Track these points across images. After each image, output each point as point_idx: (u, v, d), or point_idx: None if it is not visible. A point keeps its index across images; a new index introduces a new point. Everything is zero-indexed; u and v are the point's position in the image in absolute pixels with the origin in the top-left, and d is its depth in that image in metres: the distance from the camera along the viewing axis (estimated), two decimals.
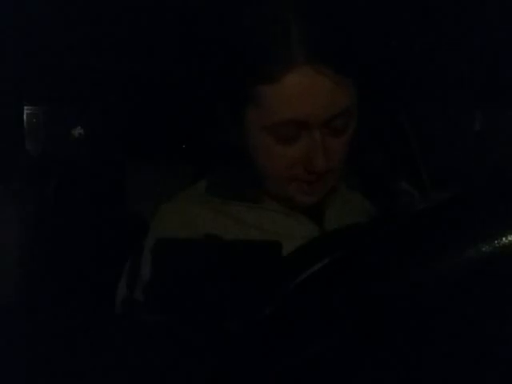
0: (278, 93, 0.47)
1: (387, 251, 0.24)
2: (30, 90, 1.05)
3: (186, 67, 0.89)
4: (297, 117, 0.47)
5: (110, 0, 0.68)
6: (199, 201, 0.58)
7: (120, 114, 1.07)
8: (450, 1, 0.68)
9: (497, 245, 0.20)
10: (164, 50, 0.84)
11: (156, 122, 1.06)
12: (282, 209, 0.58)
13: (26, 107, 1.29)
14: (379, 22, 0.56)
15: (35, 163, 1.07)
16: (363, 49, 0.51)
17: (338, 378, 0.25)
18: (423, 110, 1.27)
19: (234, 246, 0.45)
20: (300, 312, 0.25)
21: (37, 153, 1.46)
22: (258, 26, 0.48)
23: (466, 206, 0.24)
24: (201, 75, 0.80)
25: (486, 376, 0.24)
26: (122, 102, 1.03)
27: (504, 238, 0.20)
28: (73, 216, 0.88)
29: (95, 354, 0.32)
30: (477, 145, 1.59)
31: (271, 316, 0.27)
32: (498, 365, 0.24)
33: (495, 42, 0.77)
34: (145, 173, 0.96)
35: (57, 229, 0.85)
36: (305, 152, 0.50)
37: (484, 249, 0.20)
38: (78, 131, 1.50)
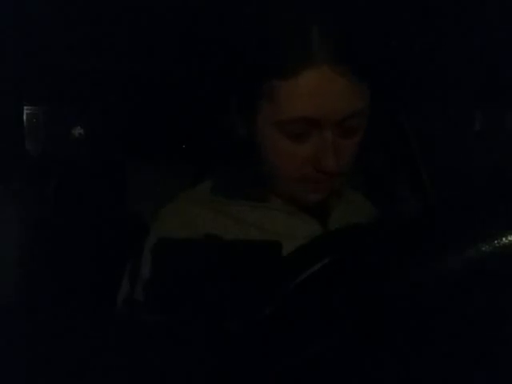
0: (293, 89, 0.47)
1: (387, 251, 0.24)
2: (30, 89, 1.05)
3: (186, 67, 0.89)
4: (310, 115, 0.47)
5: (110, 0, 0.68)
6: (202, 201, 0.58)
7: (120, 113, 1.07)
8: (450, 1, 0.68)
9: (497, 245, 0.20)
10: (164, 49, 0.84)
11: (156, 121, 1.06)
12: (287, 208, 0.58)
13: (25, 107, 1.29)
14: (383, 23, 0.56)
15: (35, 163, 1.07)
16: (377, 51, 0.51)
17: (338, 378, 0.25)
18: (423, 109, 1.27)
19: (234, 246, 0.45)
20: (300, 312, 0.25)
21: (37, 153, 1.46)
22: (280, 24, 0.48)
23: (466, 206, 0.24)
24: (207, 73, 0.80)
25: (486, 376, 0.24)
26: (121, 102, 1.03)
27: (504, 238, 0.20)
28: (73, 216, 0.88)
29: (95, 353, 0.32)
30: (477, 145, 1.59)
31: (271, 316, 0.27)
32: (497, 365, 0.24)
33: (495, 42, 0.77)
34: (145, 173, 0.96)
35: (57, 229, 0.85)
36: (315, 151, 0.50)
37: (484, 249, 0.20)
38: (78, 131, 1.50)
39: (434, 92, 1.07)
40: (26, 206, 0.82)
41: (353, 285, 0.24)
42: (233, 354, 0.28)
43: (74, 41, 0.79)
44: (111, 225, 0.86)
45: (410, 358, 0.24)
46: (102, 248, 0.82)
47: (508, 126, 1.56)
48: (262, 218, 0.57)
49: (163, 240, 0.45)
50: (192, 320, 0.40)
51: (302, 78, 0.46)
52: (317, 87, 0.47)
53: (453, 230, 0.22)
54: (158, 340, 0.34)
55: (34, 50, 0.82)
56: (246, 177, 0.59)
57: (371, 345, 0.23)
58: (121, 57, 0.87)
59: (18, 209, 0.79)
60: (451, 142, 1.48)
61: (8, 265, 0.76)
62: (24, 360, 0.32)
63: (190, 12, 0.70)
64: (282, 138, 0.50)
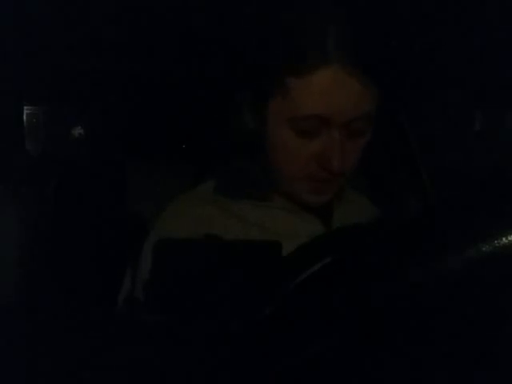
0: (306, 87, 0.48)
1: (387, 251, 0.24)
2: (30, 89, 1.05)
3: (186, 66, 0.89)
4: (321, 113, 0.48)
5: (110, 0, 0.68)
6: (204, 201, 0.58)
7: (120, 114, 1.07)
8: (450, 1, 0.68)
9: (497, 245, 0.20)
10: (165, 49, 0.84)
11: (156, 121, 1.06)
12: (289, 207, 0.58)
13: (25, 107, 1.29)
14: (387, 23, 0.56)
15: (35, 163, 1.07)
16: (385, 52, 0.52)
17: (338, 378, 0.25)
18: (423, 109, 1.27)
19: (234, 246, 0.45)
20: (300, 312, 0.25)
21: (37, 153, 1.46)
22: (297, 23, 0.48)
23: (466, 206, 0.24)
24: (207, 72, 0.80)
25: (486, 376, 0.24)
26: (121, 102, 1.03)
27: (504, 238, 0.20)
28: (73, 216, 0.88)
29: (95, 353, 0.32)
30: (477, 145, 1.59)
31: (271, 316, 0.27)
32: (497, 365, 0.24)
33: (495, 42, 0.77)
34: (145, 173, 0.96)
35: (57, 229, 0.85)
36: (322, 149, 0.50)
37: (484, 249, 0.20)
38: (78, 131, 1.50)
39: (434, 92, 1.07)
40: (26, 206, 0.82)
41: (353, 285, 0.24)
42: (233, 353, 0.28)
43: (74, 41, 0.79)
44: (111, 225, 0.86)
45: (410, 358, 0.24)
46: (102, 248, 0.82)
47: (508, 125, 1.56)
48: (263, 217, 0.57)
49: (163, 240, 0.45)
50: (192, 320, 0.39)
51: (316, 77, 0.47)
52: (330, 86, 0.47)
53: (453, 230, 0.22)
54: (158, 340, 0.34)
55: (33, 50, 0.82)
56: (248, 176, 0.59)
57: (371, 345, 0.23)
58: (121, 57, 0.87)
59: (17, 209, 0.79)
60: (451, 142, 1.48)
61: (8, 265, 0.76)
62: (24, 360, 0.32)
63: (194, 11, 0.70)
64: (291, 135, 0.50)
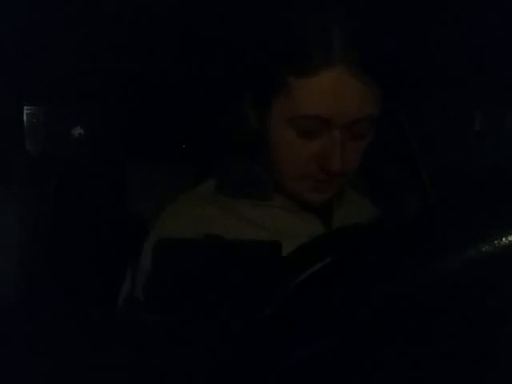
0: (309, 87, 0.48)
1: (387, 251, 0.24)
2: (30, 89, 1.05)
3: (186, 66, 0.89)
4: (322, 114, 0.48)
5: (110, 0, 0.68)
6: (205, 200, 0.58)
7: (120, 114, 1.07)
8: (450, 1, 0.68)
9: (497, 245, 0.20)
10: (165, 49, 0.84)
11: (156, 121, 1.06)
12: (290, 207, 0.58)
13: (25, 107, 1.29)
14: (388, 23, 0.56)
15: (35, 163, 1.07)
16: (387, 53, 0.52)
17: (338, 378, 0.25)
18: (423, 109, 1.27)
19: (234, 246, 0.45)
20: (300, 312, 0.25)
21: (37, 153, 1.46)
22: (301, 24, 0.49)
23: (466, 206, 0.24)
24: (207, 72, 0.80)
25: (486, 376, 0.24)
26: (121, 102, 1.03)
27: (504, 238, 0.20)
28: (73, 216, 0.88)
29: (95, 353, 0.32)
30: (477, 145, 1.59)
31: (271, 316, 0.27)
32: (497, 365, 0.24)
33: (495, 42, 0.77)
34: (145, 173, 0.96)
35: (57, 229, 0.85)
36: (322, 149, 0.50)
37: (484, 249, 0.20)
38: (78, 131, 1.50)
39: (434, 92, 1.07)
40: (26, 206, 0.82)
41: (353, 285, 0.24)
42: (233, 353, 0.28)
43: (74, 41, 0.79)
44: (111, 225, 0.86)
45: (410, 358, 0.24)
46: (102, 248, 0.82)
47: (508, 125, 1.56)
48: (264, 216, 0.57)
49: (163, 240, 0.45)
50: (192, 320, 0.39)
51: (319, 78, 0.47)
52: (332, 88, 0.47)
53: (453, 230, 0.22)
54: (158, 340, 0.34)
55: (33, 50, 0.81)
56: (249, 176, 0.59)
57: (371, 345, 0.23)
58: (121, 57, 0.87)
59: (17, 209, 0.79)
60: (451, 142, 1.48)
61: (8, 265, 0.76)
62: (24, 360, 0.32)
63: (195, 11, 0.70)
64: (292, 134, 0.50)
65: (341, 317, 0.23)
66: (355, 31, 0.48)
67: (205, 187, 0.61)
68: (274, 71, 0.50)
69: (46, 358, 0.33)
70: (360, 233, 0.43)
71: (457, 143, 1.52)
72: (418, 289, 0.22)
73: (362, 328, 0.23)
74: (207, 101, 0.86)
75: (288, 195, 0.58)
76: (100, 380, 0.32)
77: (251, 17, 0.64)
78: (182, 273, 0.44)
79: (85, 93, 1.07)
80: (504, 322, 0.23)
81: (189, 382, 0.30)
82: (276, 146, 0.53)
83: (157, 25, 0.74)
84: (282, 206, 0.58)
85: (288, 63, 0.49)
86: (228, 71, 0.65)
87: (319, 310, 0.24)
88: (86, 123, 1.44)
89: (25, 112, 1.21)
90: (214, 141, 0.69)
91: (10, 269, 0.76)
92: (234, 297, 0.41)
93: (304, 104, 0.48)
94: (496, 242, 0.20)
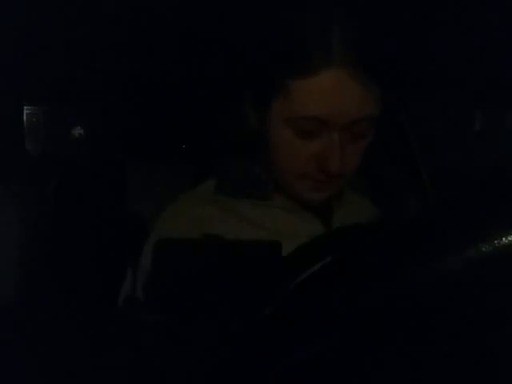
0: (308, 88, 0.48)
1: (387, 251, 0.24)
2: (30, 89, 1.05)
3: (186, 66, 0.89)
4: (321, 115, 0.48)
5: (110, 0, 0.68)
6: (205, 200, 0.58)
7: (120, 114, 1.07)
8: (450, 1, 0.68)
9: (497, 245, 0.20)
10: (165, 49, 0.84)
11: (156, 121, 1.06)
12: (290, 207, 0.58)
13: (25, 107, 1.29)
14: (388, 23, 0.56)
15: (35, 163, 1.07)
16: (387, 53, 0.52)
17: (338, 378, 0.25)
18: (423, 109, 1.27)
19: (234, 246, 0.45)
20: (300, 312, 0.25)
21: (37, 153, 1.46)
22: (300, 24, 0.49)
23: (466, 206, 0.24)
24: (208, 72, 0.80)
25: (486, 376, 0.24)
26: (121, 102, 1.03)
27: (504, 238, 0.20)
28: (73, 216, 0.88)
29: (95, 353, 0.32)
30: (477, 145, 1.59)
31: (271, 316, 0.27)
32: (497, 365, 0.24)
33: (495, 42, 0.77)
34: (145, 173, 0.96)
35: (57, 229, 0.85)
36: (321, 150, 0.50)
37: (484, 249, 0.20)
38: (78, 131, 1.50)
39: (434, 92, 1.07)
40: (26, 206, 0.82)
41: (353, 285, 0.24)
42: (233, 353, 0.28)
43: (74, 41, 0.79)
44: (111, 225, 0.86)
45: (410, 358, 0.24)
46: (102, 248, 0.82)
47: (508, 125, 1.56)
48: (264, 216, 0.57)
49: (163, 240, 0.45)
50: (192, 320, 0.39)
51: (318, 79, 0.47)
52: (331, 88, 0.47)
53: (453, 230, 0.22)
54: (158, 340, 0.34)
55: (33, 50, 0.81)
56: (249, 176, 0.59)
57: (371, 345, 0.23)
58: (121, 57, 0.87)
59: (17, 209, 0.79)
60: (451, 142, 1.48)
61: (8, 265, 0.76)
62: (24, 360, 0.32)
63: (195, 11, 0.70)
64: (292, 135, 0.50)
65: (341, 317, 0.23)
66: (355, 31, 0.48)
67: (205, 187, 0.61)
68: (273, 71, 0.50)
69: (46, 357, 0.33)
70: (360, 233, 0.43)
71: (457, 143, 1.52)
72: (418, 289, 0.22)
73: (362, 328, 0.23)
74: (207, 101, 0.86)
75: (288, 195, 0.58)
76: (100, 380, 0.32)
77: (251, 17, 0.64)
78: (182, 273, 0.44)
79: (85, 93, 1.07)
80: (504, 321, 0.23)
81: (189, 382, 0.30)
82: (276, 146, 0.53)
83: (157, 25, 0.74)
84: (281, 206, 0.58)
85: (287, 63, 0.49)
86: (228, 71, 0.65)
87: (319, 309, 0.24)
88: (86, 123, 1.44)
89: (25, 112, 1.21)
90: (214, 141, 0.69)
91: (9, 269, 0.76)
92: (234, 297, 0.41)
93: (303, 105, 0.48)
94: (496, 242, 0.20)
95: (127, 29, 0.77)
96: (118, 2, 0.68)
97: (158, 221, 0.57)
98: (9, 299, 0.73)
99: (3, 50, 0.75)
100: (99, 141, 1.16)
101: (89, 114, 1.33)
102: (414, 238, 0.24)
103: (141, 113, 1.05)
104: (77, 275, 0.80)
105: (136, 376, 0.31)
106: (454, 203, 0.24)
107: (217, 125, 0.66)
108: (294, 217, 0.58)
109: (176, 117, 1.04)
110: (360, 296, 0.23)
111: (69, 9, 0.69)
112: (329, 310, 0.24)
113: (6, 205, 0.78)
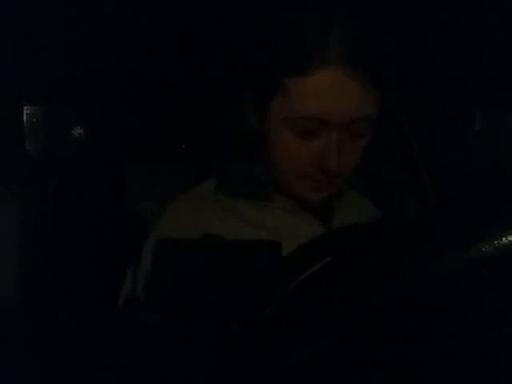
0: (306, 87, 0.47)
1: (387, 251, 0.24)
2: (30, 89, 1.05)
3: (186, 66, 0.89)
4: (319, 114, 0.48)
5: (110, 0, 0.68)
6: (205, 200, 0.58)
7: (120, 113, 1.07)
8: (450, 1, 0.68)
9: (497, 245, 0.20)
10: (165, 49, 0.84)
11: (156, 121, 1.06)
12: (290, 207, 0.58)
13: (25, 107, 1.29)
14: (387, 23, 0.56)
15: (35, 163, 1.07)
16: (386, 53, 0.52)
17: (338, 378, 0.25)
18: (423, 109, 1.27)
19: (234, 246, 0.45)
20: (300, 312, 0.25)
21: (37, 153, 1.46)
22: (299, 24, 0.48)
23: (466, 206, 0.24)
24: (208, 72, 0.80)
25: (486, 376, 0.24)
26: (121, 102, 1.03)
27: (504, 238, 0.20)
28: (73, 216, 0.88)
29: (95, 353, 0.32)
30: (477, 145, 1.59)
31: (271, 316, 0.27)
32: (497, 365, 0.24)
33: (495, 42, 0.77)
34: (145, 173, 0.96)
35: (57, 229, 0.85)
36: (320, 150, 0.50)
37: (484, 249, 0.20)
38: (78, 131, 1.51)
39: (434, 92, 1.07)
40: (26, 206, 0.82)
41: (353, 285, 0.24)
42: (233, 353, 0.28)
43: (74, 41, 0.79)
44: (111, 225, 0.86)
45: (410, 358, 0.24)
46: (102, 248, 0.82)
47: (508, 125, 1.56)
48: (264, 216, 0.57)
49: (163, 240, 0.45)
50: (192, 320, 0.39)
51: (316, 78, 0.47)
52: (330, 88, 0.47)
53: (453, 230, 0.22)
54: (158, 340, 0.34)
55: (33, 50, 0.82)
56: (249, 176, 0.59)
57: (371, 345, 0.23)
58: (121, 57, 0.87)
59: (17, 209, 0.79)
60: (451, 142, 1.48)
61: (8, 265, 0.76)
62: (24, 360, 0.32)
63: (195, 11, 0.70)
64: (290, 134, 0.50)
65: (341, 317, 0.23)
66: (355, 31, 0.48)
67: (205, 187, 0.61)
68: (272, 71, 0.50)
69: (46, 357, 0.33)
70: (360, 233, 0.43)
71: (457, 143, 1.52)
72: (418, 289, 0.22)
73: (362, 328, 0.23)
74: (207, 101, 0.86)
75: (288, 195, 0.58)
76: (100, 380, 0.32)
77: (251, 17, 0.64)
78: (182, 273, 0.44)
79: (85, 93, 1.07)
80: (504, 321, 0.23)
81: (189, 381, 0.30)
82: (275, 146, 0.53)
83: (157, 25, 0.74)
84: (282, 206, 0.58)
85: (287, 63, 0.49)
86: (228, 71, 0.65)
87: (319, 309, 0.24)
88: (86, 123, 1.44)
89: (25, 112, 1.21)
90: (214, 141, 0.69)
91: (10, 269, 0.76)
92: (234, 297, 0.41)
93: (301, 104, 0.48)
94: (496, 242, 0.20)
95: (127, 29, 0.77)
96: (118, 2, 0.68)
97: (158, 221, 0.57)
98: (9, 299, 0.73)
99: (3, 50, 0.75)
100: (99, 141, 1.16)
101: (89, 114, 1.33)
102: (414, 238, 0.24)
103: (141, 113, 1.05)
104: (77, 275, 0.80)
105: (136, 376, 0.31)
106: (454, 203, 0.24)
107: (217, 125, 0.66)
108: (294, 217, 0.58)
109: (176, 117, 1.04)
110: (360, 296, 0.23)
111: (69, 9, 0.69)
112: (329, 310, 0.24)
113: (5, 205, 0.78)
